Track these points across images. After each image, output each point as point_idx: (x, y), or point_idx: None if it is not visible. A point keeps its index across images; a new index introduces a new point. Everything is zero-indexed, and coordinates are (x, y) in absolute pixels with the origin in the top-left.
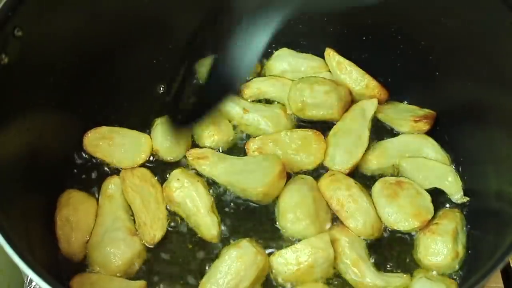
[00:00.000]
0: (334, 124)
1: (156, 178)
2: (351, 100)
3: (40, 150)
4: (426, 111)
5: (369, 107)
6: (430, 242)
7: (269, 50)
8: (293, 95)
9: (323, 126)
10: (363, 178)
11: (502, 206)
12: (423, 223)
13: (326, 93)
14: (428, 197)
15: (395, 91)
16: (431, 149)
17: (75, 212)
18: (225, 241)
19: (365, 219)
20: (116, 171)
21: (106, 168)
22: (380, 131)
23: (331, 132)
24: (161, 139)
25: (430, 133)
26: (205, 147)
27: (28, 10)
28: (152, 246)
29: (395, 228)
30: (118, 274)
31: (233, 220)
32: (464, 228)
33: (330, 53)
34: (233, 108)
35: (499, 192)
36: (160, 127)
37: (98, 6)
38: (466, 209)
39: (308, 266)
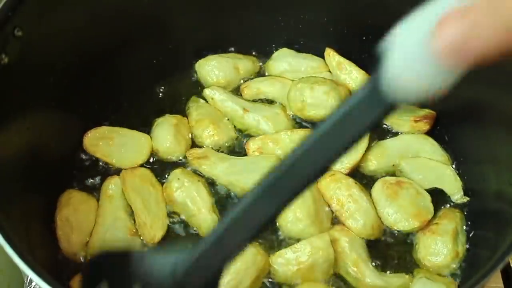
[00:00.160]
0: None
1: (156, 178)
2: None
3: (40, 150)
4: (426, 111)
5: None
6: (430, 242)
7: (269, 50)
8: (293, 95)
9: None
10: (363, 178)
11: (502, 206)
12: (423, 223)
13: (326, 93)
14: (428, 197)
15: None
16: (431, 149)
17: (75, 212)
18: None
19: (365, 219)
20: (116, 171)
21: (106, 168)
22: (380, 131)
23: None
24: (161, 139)
25: (430, 133)
26: (205, 147)
27: (28, 10)
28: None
29: (395, 228)
30: None
31: None
32: (464, 228)
33: (330, 53)
34: (233, 108)
35: (499, 192)
36: (160, 127)
37: (98, 6)
38: (466, 209)
39: (308, 266)
